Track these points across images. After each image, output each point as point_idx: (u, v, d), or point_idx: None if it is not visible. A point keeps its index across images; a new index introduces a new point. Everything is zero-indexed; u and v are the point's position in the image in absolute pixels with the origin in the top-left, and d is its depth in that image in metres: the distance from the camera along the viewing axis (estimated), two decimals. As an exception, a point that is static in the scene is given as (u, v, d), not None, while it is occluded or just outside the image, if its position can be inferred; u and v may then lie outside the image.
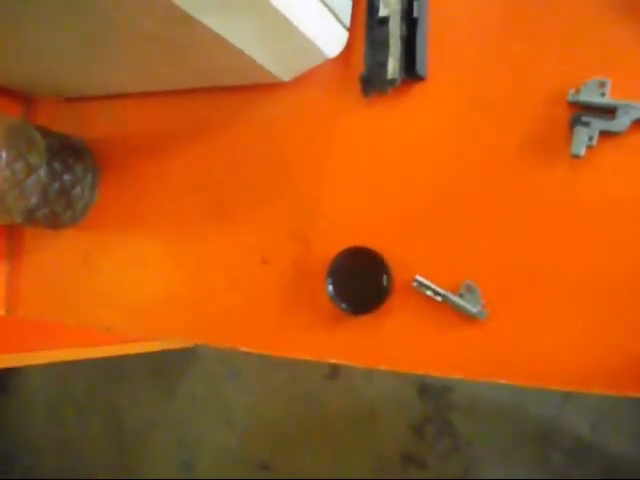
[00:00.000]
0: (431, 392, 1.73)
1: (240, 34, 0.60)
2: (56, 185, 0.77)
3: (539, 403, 1.60)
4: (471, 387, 1.69)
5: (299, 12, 0.59)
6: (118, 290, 0.83)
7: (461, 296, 0.62)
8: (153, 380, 2.18)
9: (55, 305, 0.89)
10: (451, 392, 1.71)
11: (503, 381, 0.61)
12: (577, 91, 0.59)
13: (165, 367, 2.13)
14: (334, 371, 1.84)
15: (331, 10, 0.64)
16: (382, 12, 0.66)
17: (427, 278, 0.63)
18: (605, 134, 0.57)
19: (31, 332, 1.25)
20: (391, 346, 0.66)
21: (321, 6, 0.62)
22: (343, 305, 0.66)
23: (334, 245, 0.66)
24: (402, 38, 0.65)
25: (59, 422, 2.34)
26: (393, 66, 0.65)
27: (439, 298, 0.63)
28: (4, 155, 0.70)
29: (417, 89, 0.66)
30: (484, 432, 1.67)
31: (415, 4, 0.64)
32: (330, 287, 0.66)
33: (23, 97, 0.92)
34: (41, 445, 2.36)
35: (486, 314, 0.61)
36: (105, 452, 2.23)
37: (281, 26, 0.59)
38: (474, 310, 0.61)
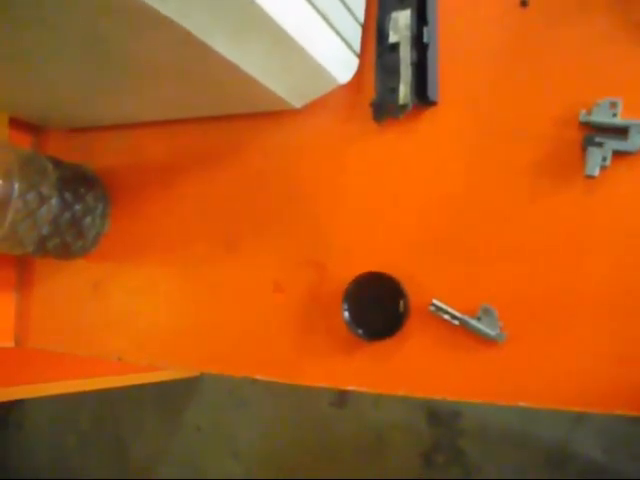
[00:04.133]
0: (440, 418, 1.71)
1: (252, 61, 0.60)
2: (67, 215, 0.77)
3: (550, 427, 1.58)
4: (480, 412, 1.67)
5: (311, 39, 0.59)
6: (129, 320, 0.83)
7: (479, 319, 0.61)
8: (158, 410, 2.15)
9: (65, 336, 0.88)
10: (460, 418, 1.69)
11: (522, 404, 0.60)
12: (589, 112, 0.59)
13: (170, 397, 2.11)
14: (341, 399, 1.82)
15: (342, 37, 0.64)
16: (392, 38, 0.67)
17: (444, 302, 0.63)
18: (618, 154, 0.58)
19: (36, 364, 1.25)
20: (408, 371, 0.65)
21: (332, 33, 0.63)
22: (359, 331, 0.65)
23: (349, 271, 0.66)
24: (413, 64, 0.65)
25: (62, 455, 2.31)
26: (404, 91, 0.66)
27: (456, 322, 0.62)
28: (17, 186, 0.70)
29: (429, 114, 0.67)
30: (494, 458, 1.64)
31: (425, 30, 0.65)
32: (346, 313, 0.66)
33: (33, 127, 0.93)
34: (44, 479, 2.32)
35: (505, 337, 0.60)
36: (109, 485, 2.20)
37: (293, 53, 0.60)
38: (493, 333, 0.60)
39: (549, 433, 1.58)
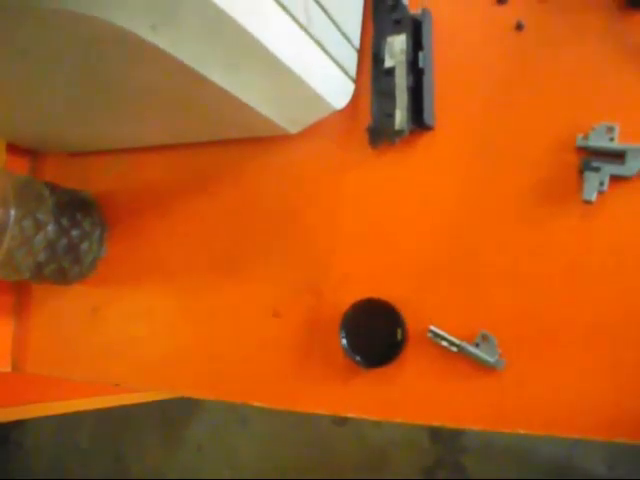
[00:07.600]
0: (442, 435, 1.70)
1: (248, 89, 0.60)
2: (64, 241, 0.77)
3: (552, 443, 1.57)
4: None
5: (306, 66, 0.59)
6: (127, 345, 0.82)
7: (477, 346, 0.61)
8: (159, 428, 2.14)
9: (63, 361, 0.88)
10: (462, 435, 1.68)
11: (521, 431, 0.59)
12: (585, 136, 0.59)
13: (171, 414, 2.10)
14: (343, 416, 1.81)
15: (337, 63, 0.64)
16: (388, 63, 0.67)
17: (441, 328, 0.63)
18: (616, 179, 0.57)
19: (35, 384, 1.24)
20: (406, 398, 0.65)
21: (328, 60, 0.63)
22: (357, 358, 0.65)
23: (347, 297, 0.66)
24: (409, 88, 0.65)
25: (63, 474, 2.30)
26: (400, 116, 0.66)
27: (454, 349, 0.62)
28: (13, 213, 0.70)
29: (425, 139, 0.67)
30: (497, 474, 1.63)
31: (420, 55, 0.65)
32: (344, 340, 0.65)
33: (30, 152, 0.93)
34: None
35: (503, 364, 0.60)
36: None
37: (289, 81, 0.59)
38: (491, 360, 0.60)
39: (552, 449, 1.57)
